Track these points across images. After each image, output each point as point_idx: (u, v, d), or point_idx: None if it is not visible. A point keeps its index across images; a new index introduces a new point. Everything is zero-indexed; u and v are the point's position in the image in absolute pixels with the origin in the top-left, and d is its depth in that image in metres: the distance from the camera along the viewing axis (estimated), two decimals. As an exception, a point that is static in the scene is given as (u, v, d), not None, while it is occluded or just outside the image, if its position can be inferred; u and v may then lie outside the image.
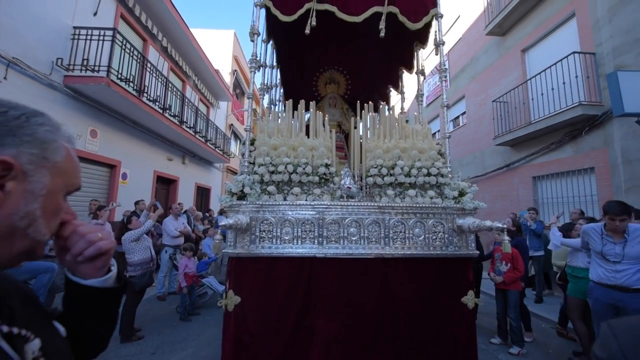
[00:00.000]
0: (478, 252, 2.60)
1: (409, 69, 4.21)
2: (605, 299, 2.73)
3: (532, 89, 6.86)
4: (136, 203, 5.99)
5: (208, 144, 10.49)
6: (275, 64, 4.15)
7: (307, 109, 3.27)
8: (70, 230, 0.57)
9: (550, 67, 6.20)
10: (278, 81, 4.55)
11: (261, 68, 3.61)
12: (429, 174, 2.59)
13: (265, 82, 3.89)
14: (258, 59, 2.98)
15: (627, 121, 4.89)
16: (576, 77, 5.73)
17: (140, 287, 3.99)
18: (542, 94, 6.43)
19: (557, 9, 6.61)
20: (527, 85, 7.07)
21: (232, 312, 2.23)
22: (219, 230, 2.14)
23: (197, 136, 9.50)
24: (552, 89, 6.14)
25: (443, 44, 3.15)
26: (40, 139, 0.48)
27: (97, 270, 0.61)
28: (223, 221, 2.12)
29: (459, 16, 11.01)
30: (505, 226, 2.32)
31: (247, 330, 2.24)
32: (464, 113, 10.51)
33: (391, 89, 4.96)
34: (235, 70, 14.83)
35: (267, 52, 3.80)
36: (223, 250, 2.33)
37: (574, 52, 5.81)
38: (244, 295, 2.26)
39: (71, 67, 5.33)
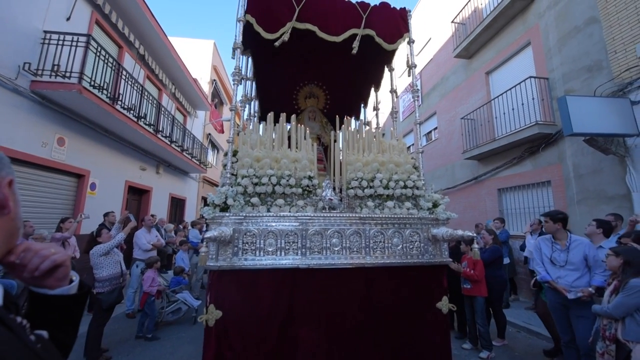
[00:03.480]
0: (451, 259, 2.77)
1: (377, 87, 4.51)
2: (556, 299, 3.10)
3: (496, 108, 7.46)
4: (105, 215, 5.70)
5: (184, 153, 10.23)
6: (253, 77, 4.21)
7: (287, 122, 3.33)
8: (22, 248, 0.63)
9: (510, 89, 6.79)
10: (254, 94, 4.59)
11: (243, 81, 3.66)
12: (405, 187, 2.72)
13: (246, 94, 3.94)
14: (240, 72, 3.02)
15: (576, 140, 5.45)
16: (533, 99, 6.32)
17: (109, 305, 3.76)
18: (504, 113, 7.00)
19: (515, 37, 7.32)
20: (491, 104, 7.67)
21: (213, 327, 2.17)
22: (204, 243, 2.10)
23: (172, 145, 9.26)
24: (513, 109, 6.72)
25: (415, 66, 3.38)
26: (7, 162, 0.62)
27: (60, 282, 0.67)
28: (208, 233, 2.07)
29: (430, 39, 11.78)
30: (474, 235, 2.53)
31: (229, 345, 2.18)
32: (435, 128, 11.11)
33: (366, 105, 5.17)
34: (215, 80, 14.73)
35: (248, 65, 3.85)
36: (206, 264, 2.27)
37: (530, 77, 6.43)
38: (226, 309, 2.21)
39: (40, 72, 5.09)
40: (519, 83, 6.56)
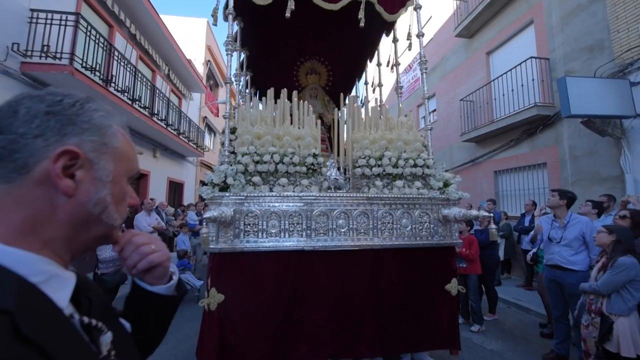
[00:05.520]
0: (462, 241, 2.76)
1: (371, 59, 4.29)
2: (550, 276, 3.23)
3: (495, 89, 7.39)
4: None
5: (181, 137, 10.14)
6: (244, 49, 3.90)
7: (287, 99, 3.13)
8: (127, 239, 0.59)
9: (510, 69, 6.71)
10: (246, 69, 4.27)
11: (237, 53, 3.35)
12: (415, 165, 2.61)
13: (241, 68, 3.68)
14: (234, 41, 2.81)
15: (574, 122, 5.47)
16: (532, 80, 6.26)
17: (113, 285, 3.89)
18: (503, 95, 6.95)
19: (518, 16, 7.14)
20: (491, 85, 7.60)
21: (215, 312, 2.09)
22: (204, 224, 2.04)
23: (168, 129, 9.16)
24: (512, 90, 6.66)
25: (423, 35, 3.12)
26: (98, 125, 0.48)
27: (158, 279, 0.64)
28: (207, 213, 1.97)
29: (430, 17, 11.44)
30: (492, 215, 2.50)
31: (232, 329, 2.12)
32: (434, 110, 11.03)
33: (367, 80, 4.89)
34: (209, 61, 14.34)
35: (243, 37, 3.55)
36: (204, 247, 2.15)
37: (531, 57, 6.33)
38: (228, 293, 2.13)
39: (29, 53, 4.94)
40: (520, 64, 6.47)
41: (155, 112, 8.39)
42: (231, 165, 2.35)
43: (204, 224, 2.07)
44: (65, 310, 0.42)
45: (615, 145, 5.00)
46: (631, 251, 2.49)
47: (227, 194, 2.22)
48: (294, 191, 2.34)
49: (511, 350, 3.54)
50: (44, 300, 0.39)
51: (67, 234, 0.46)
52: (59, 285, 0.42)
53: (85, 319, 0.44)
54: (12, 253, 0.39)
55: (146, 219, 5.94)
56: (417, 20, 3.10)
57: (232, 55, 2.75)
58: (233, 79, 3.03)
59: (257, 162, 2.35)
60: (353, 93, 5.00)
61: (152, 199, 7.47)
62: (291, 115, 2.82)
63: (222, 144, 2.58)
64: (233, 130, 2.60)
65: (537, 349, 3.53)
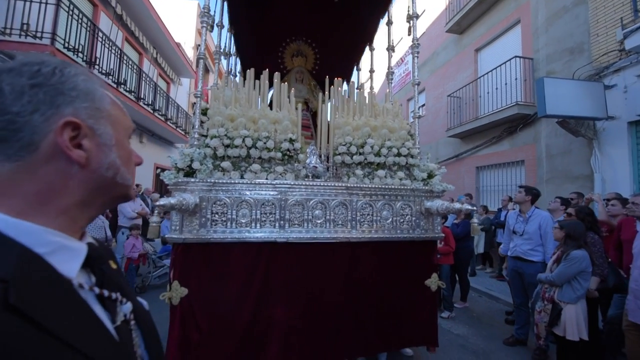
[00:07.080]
0: (444, 234, 2.71)
1: (370, 44, 4.16)
2: (513, 267, 3.47)
3: (481, 86, 7.53)
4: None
5: (168, 122, 10.01)
6: (231, 27, 3.72)
7: (270, 84, 2.94)
8: None
9: (496, 67, 6.84)
10: (234, 50, 4.06)
11: (218, 29, 3.17)
12: (399, 154, 2.49)
13: (223, 46, 3.43)
14: (209, 12, 2.59)
15: (551, 121, 5.66)
16: (516, 79, 6.42)
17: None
18: (488, 92, 7.11)
19: (506, 14, 7.24)
20: (477, 82, 7.73)
21: (177, 307, 1.95)
22: (155, 212, 1.83)
23: (155, 114, 9.03)
24: (497, 88, 6.82)
25: (417, 17, 2.95)
26: (85, 91, 0.46)
27: None
28: (162, 200, 1.75)
29: (424, 11, 11.42)
30: (474, 208, 2.49)
31: (196, 327, 1.96)
32: (423, 105, 11.15)
33: (360, 67, 4.76)
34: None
35: (226, 13, 3.39)
36: (167, 236, 2.03)
37: (515, 56, 6.47)
38: (193, 287, 1.97)
39: (7, 32, 4.79)
40: (505, 62, 6.60)
41: (142, 96, 8.25)
42: (199, 149, 2.19)
43: (155, 211, 1.82)
44: (74, 281, 0.42)
45: (588, 145, 5.23)
46: (584, 244, 2.70)
47: (193, 180, 2.05)
48: (267, 178, 2.20)
49: (475, 335, 3.78)
50: (49, 270, 0.39)
51: (84, 200, 0.47)
52: (67, 257, 0.43)
53: (97, 290, 0.45)
54: (18, 225, 0.39)
55: (131, 204, 5.93)
56: (412, 1, 2.94)
57: (206, 29, 2.56)
58: (212, 56, 2.88)
59: (227, 146, 2.17)
60: (353, 79, 4.80)
61: (137, 185, 7.44)
62: (272, 102, 2.71)
63: (193, 125, 2.40)
64: (205, 112, 2.42)
65: (500, 334, 3.78)
